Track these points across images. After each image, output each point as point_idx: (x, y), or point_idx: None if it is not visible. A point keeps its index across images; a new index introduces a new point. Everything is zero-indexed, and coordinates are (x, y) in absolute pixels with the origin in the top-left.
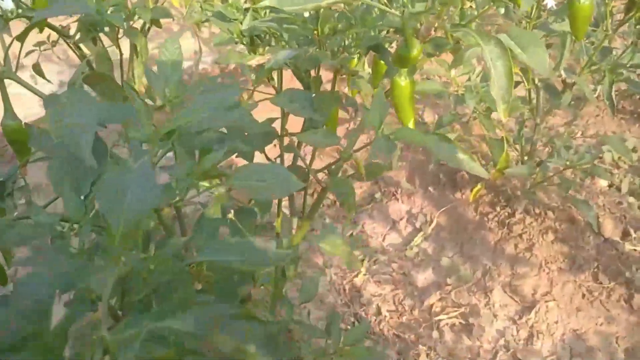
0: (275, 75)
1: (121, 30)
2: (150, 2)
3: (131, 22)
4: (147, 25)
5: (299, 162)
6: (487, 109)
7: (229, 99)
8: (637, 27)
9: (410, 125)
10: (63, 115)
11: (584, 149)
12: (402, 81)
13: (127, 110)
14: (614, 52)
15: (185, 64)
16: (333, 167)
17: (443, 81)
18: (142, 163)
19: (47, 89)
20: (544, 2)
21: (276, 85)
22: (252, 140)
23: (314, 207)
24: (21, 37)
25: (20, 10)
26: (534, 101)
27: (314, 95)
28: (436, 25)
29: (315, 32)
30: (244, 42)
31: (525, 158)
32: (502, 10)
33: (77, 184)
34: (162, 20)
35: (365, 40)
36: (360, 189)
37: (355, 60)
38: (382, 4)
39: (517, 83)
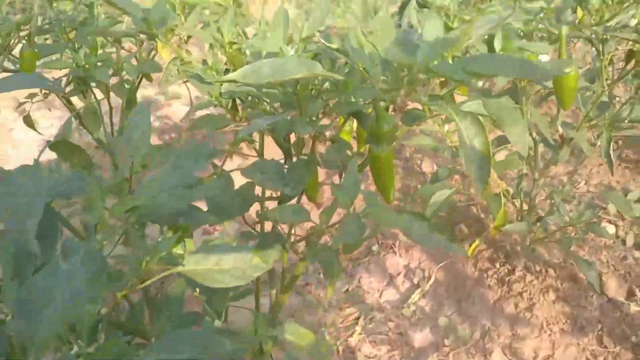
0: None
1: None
2: (142, 55)
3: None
4: (138, 79)
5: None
6: None
7: (192, 174)
8: (637, 81)
9: (390, 197)
10: (11, 196)
11: (586, 202)
12: (380, 152)
13: (85, 185)
14: (616, 99)
15: (185, 110)
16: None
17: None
18: (71, 263)
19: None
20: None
21: (257, 148)
22: (227, 208)
23: (292, 279)
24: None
25: None
26: (532, 154)
27: (292, 162)
28: (410, 98)
29: (295, 96)
30: (224, 105)
31: (525, 213)
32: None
33: (22, 269)
34: None
35: (345, 106)
36: None
37: (341, 121)
38: (359, 72)
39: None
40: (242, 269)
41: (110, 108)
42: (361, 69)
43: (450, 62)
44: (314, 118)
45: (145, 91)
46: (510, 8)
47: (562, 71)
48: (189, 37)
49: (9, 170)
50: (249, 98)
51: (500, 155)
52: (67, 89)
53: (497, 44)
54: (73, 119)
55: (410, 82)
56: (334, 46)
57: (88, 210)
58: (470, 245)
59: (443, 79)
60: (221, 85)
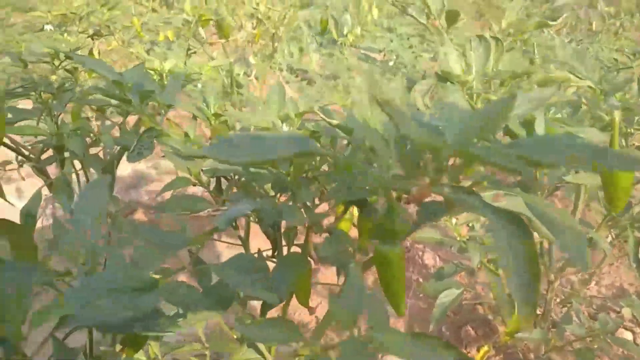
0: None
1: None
2: (125, 127)
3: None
4: (118, 152)
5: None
6: (493, 261)
7: (146, 273)
8: None
9: (401, 307)
10: None
11: (599, 305)
12: (390, 251)
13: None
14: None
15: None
16: None
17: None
18: None
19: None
20: None
21: (242, 235)
22: (197, 310)
23: None
24: None
25: None
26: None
27: (281, 258)
28: (430, 189)
29: (288, 178)
30: (205, 185)
31: (539, 317)
32: None
33: None
34: None
35: (346, 193)
36: None
37: (340, 209)
38: (365, 153)
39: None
40: None
41: (88, 181)
42: (368, 149)
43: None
44: (308, 204)
45: (138, 165)
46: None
47: None
48: (168, 106)
49: None
50: (235, 177)
51: None
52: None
53: (539, 127)
54: (46, 189)
55: (438, 169)
56: (335, 122)
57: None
58: (478, 351)
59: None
60: (203, 161)
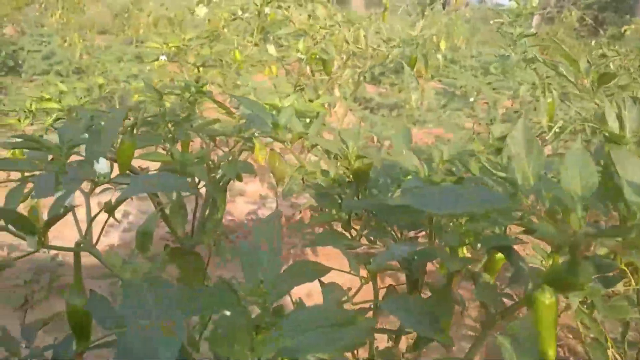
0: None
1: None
2: (234, 155)
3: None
4: (227, 179)
5: None
6: (590, 305)
7: (340, 308)
8: None
9: (549, 352)
10: (142, 314)
11: None
12: (547, 299)
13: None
14: None
15: (250, 207)
16: None
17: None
18: None
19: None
20: None
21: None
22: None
23: None
24: (111, 210)
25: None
26: None
27: (433, 300)
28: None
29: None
30: (342, 220)
31: None
32: None
33: None
34: None
35: (488, 238)
36: None
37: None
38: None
39: (621, 277)
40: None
41: (196, 205)
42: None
43: None
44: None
45: None
46: None
47: None
48: (313, 146)
49: (135, 281)
50: (368, 215)
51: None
52: None
53: None
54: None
55: None
56: (501, 174)
57: (225, 344)
58: None
59: None
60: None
